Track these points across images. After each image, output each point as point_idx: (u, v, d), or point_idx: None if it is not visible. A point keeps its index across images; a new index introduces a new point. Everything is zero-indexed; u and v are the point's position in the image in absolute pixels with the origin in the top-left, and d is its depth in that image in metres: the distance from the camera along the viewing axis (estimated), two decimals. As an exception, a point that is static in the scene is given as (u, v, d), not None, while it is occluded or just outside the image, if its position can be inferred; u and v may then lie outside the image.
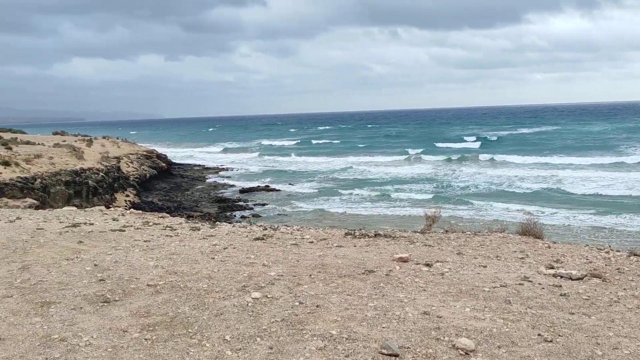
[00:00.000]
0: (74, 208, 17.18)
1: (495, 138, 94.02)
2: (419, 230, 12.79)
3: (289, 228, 12.92)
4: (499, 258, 9.52)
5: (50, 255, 9.00)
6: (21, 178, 36.58)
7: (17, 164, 37.78)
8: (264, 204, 43.48)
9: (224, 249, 9.71)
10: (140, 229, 11.95)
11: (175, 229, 12.05)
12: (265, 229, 12.44)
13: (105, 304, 6.59)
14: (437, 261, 9.05)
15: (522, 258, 9.54)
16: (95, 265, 8.34)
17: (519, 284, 7.79)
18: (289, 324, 5.99)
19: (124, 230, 11.53)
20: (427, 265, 8.76)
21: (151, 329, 5.81)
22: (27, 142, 46.51)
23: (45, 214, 14.51)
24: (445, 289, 7.54)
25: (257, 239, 10.71)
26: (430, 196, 43.10)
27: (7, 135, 49.29)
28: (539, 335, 5.78)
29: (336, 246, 10.14)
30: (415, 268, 8.58)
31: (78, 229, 11.45)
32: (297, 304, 6.68)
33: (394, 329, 5.92)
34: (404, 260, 8.93)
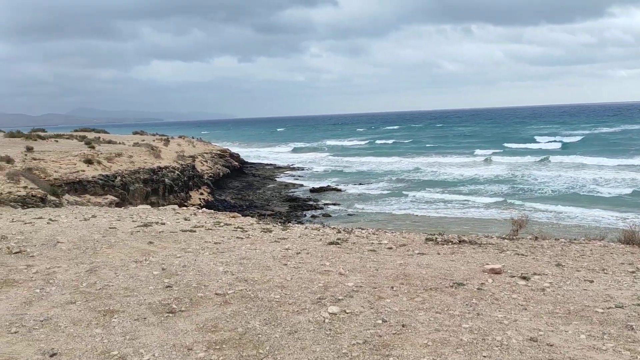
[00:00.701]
0: (149, 206, 17.07)
1: (574, 138, 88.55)
2: (505, 236, 11.60)
3: (364, 231, 12.07)
4: (605, 271, 8.26)
5: (119, 257, 8.58)
6: (102, 176, 37.68)
7: (99, 162, 38.99)
8: (334, 204, 42.81)
9: (297, 253, 8.97)
10: (211, 229, 11.45)
11: (246, 231, 11.47)
12: (339, 232, 11.65)
13: (171, 314, 5.97)
14: (535, 274, 7.91)
15: (633, 272, 8.23)
16: (163, 269, 7.80)
17: (638, 305, 6.58)
18: (372, 347, 5.13)
19: (194, 231, 11.05)
20: (524, 278, 7.65)
21: (218, 347, 5.11)
22: (109, 142, 48.04)
23: (120, 213, 14.36)
24: (550, 308, 6.44)
25: (332, 243, 9.91)
26: (504, 199, 40.96)
27: (90, 135, 51.19)
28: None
29: (418, 253, 9.17)
30: (511, 281, 7.50)
31: (149, 229, 11.08)
32: (379, 322, 5.81)
33: (497, 359, 4.93)
34: (496, 271, 7.86)
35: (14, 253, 8.62)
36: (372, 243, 10.03)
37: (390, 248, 9.57)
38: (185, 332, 5.48)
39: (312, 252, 9.08)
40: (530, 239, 11.46)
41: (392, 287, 7.06)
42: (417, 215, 36.38)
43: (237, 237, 10.50)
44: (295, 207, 41.79)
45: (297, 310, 6.13)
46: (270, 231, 11.42)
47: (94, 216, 13.21)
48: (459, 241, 10.11)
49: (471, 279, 7.57)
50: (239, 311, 6.08)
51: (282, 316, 5.95)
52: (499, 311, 6.28)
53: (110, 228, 11.04)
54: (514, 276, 7.75)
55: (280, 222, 15.05)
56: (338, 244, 9.85)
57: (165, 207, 16.39)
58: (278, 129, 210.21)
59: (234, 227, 11.85)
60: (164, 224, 11.99)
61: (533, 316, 6.15)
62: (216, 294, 6.66)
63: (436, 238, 10.40)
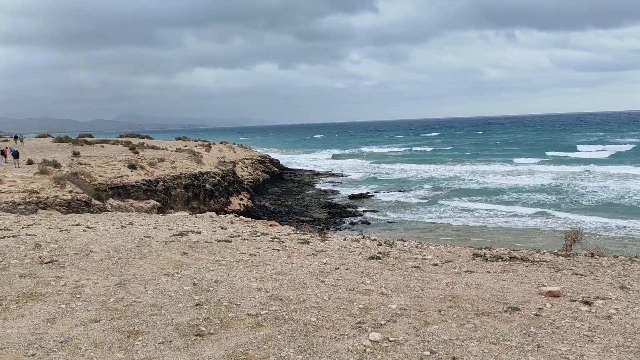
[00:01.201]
0: (186, 213, 16.78)
1: (622, 147, 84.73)
2: (559, 252, 10.70)
3: (406, 244, 11.37)
4: (677, 296, 7.36)
5: (150, 269, 8.16)
6: (145, 181, 37.97)
7: (142, 168, 39.35)
8: (372, 211, 42.04)
9: (335, 269, 8.36)
10: (247, 240, 10.96)
11: (283, 241, 10.93)
12: (380, 245, 10.98)
13: (198, 337, 5.46)
14: (598, 298, 7.09)
15: None
16: (195, 284, 7.33)
17: None
18: (420, 386, 4.49)
19: (230, 241, 10.59)
20: (586, 303, 6.84)
21: (247, 380, 4.56)
22: (153, 147, 48.60)
23: (157, 220, 14.07)
24: (619, 340, 5.65)
25: (372, 257, 9.27)
26: (548, 209, 39.27)
27: (135, 141, 51.94)
28: None
29: (465, 271, 8.43)
30: (572, 307, 6.70)
31: (184, 239, 10.67)
32: (427, 353, 5.15)
33: (567, 405, 4.21)
34: (554, 294, 7.07)
35: (45, 263, 8.31)
36: (416, 258, 9.33)
37: (436, 264, 8.86)
38: (213, 359, 4.95)
39: (352, 268, 8.45)
40: (586, 255, 10.55)
41: (440, 311, 6.38)
42: (458, 225, 35.25)
43: (274, 249, 9.97)
44: (334, 214, 41.21)
45: (335, 336, 5.52)
46: (308, 242, 10.86)
47: (131, 223, 12.94)
48: (510, 258, 9.31)
49: (527, 302, 6.80)
50: (272, 336, 5.52)
51: (318, 343, 5.36)
52: (562, 343, 5.53)
53: (145, 237, 10.69)
54: (575, 300, 6.94)
55: (318, 231, 14.45)
56: (379, 258, 9.20)
57: (202, 214, 16.06)
58: (318, 136, 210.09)
59: (271, 238, 11.34)
60: (199, 232, 11.58)
61: (601, 350, 5.38)
62: (248, 314, 6.12)
63: (484, 254, 9.62)
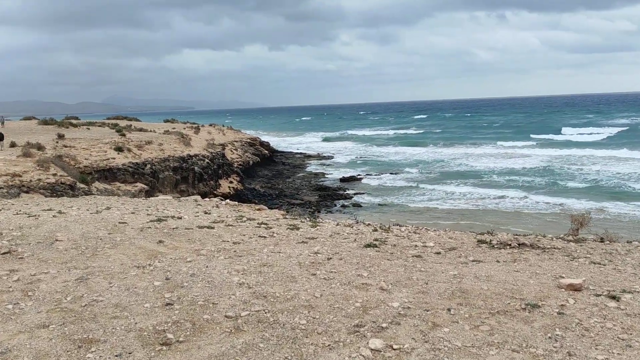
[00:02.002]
0: (170, 197, 15.75)
1: (614, 129, 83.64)
2: (567, 237, 9.81)
3: (403, 229, 10.43)
4: None
5: (120, 261, 7.16)
6: (132, 163, 36.74)
7: (129, 150, 38.08)
8: (364, 194, 41.15)
9: (328, 259, 7.39)
10: (231, 226, 9.97)
11: (271, 227, 9.95)
12: (375, 230, 10.03)
13: (164, 347, 4.48)
14: (624, 291, 6.18)
15: None
16: (167, 278, 6.34)
17: None
18: (435, 412, 3.55)
19: (212, 228, 9.59)
20: (613, 297, 5.93)
21: (220, 406, 3.60)
22: (141, 129, 47.21)
23: (137, 204, 13.02)
24: (661, 345, 4.75)
25: (368, 245, 8.31)
26: (539, 193, 38.51)
27: (123, 123, 50.51)
28: None
29: (472, 261, 7.50)
30: (597, 302, 5.79)
31: (162, 225, 9.66)
32: (439, 365, 4.22)
33: None
34: (576, 288, 6.16)
35: (1, 254, 7.29)
36: (416, 246, 8.39)
37: (439, 253, 7.92)
38: (179, 377, 3.99)
39: (346, 258, 7.49)
40: (595, 240, 9.68)
41: (449, 309, 5.45)
42: (448, 207, 34.42)
43: (260, 236, 8.99)
44: (325, 197, 40.29)
45: (329, 344, 4.57)
46: (298, 228, 9.89)
47: (108, 208, 11.90)
48: (518, 244, 8.39)
49: (546, 297, 5.89)
50: (253, 343, 4.56)
51: (308, 353, 4.40)
52: (596, 349, 4.62)
53: (120, 223, 9.67)
54: (600, 295, 6.04)
55: (309, 216, 13.45)
56: (376, 246, 8.25)
57: (187, 198, 15.03)
58: (307, 118, 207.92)
59: (258, 223, 10.35)
60: (180, 218, 10.57)
61: (644, 357, 4.48)
62: (226, 316, 5.14)
63: (490, 240, 8.69)
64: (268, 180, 48.69)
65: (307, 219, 11.92)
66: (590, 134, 79.33)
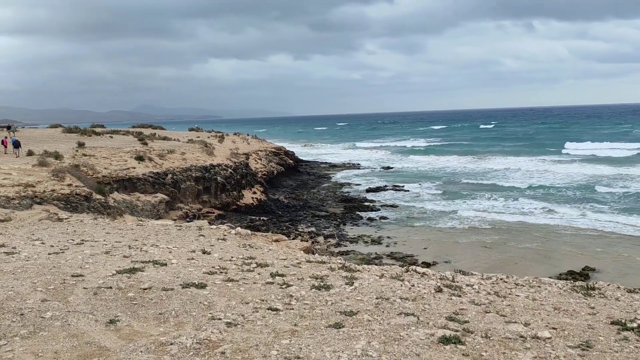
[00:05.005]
0: (171, 223, 12.53)
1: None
2: None
3: (475, 284, 6.97)
4: None
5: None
6: (153, 173, 33.85)
7: (150, 159, 35.23)
8: (391, 206, 37.53)
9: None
10: (232, 280, 6.63)
11: (290, 284, 6.57)
12: (439, 290, 6.57)
13: None
14: None
15: None
16: None
17: None
18: None
19: (204, 286, 6.26)
20: None
21: None
22: (164, 138, 44.50)
23: (124, 235, 9.80)
24: None
25: (445, 340, 4.85)
26: (581, 207, 34.22)
27: (147, 131, 47.91)
28: None
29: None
30: None
31: (133, 280, 6.37)
32: None
33: None
34: None
35: None
36: (522, 336, 4.89)
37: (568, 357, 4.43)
38: None
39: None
40: None
41: None
42: (488, 228, 30.05)
43: (272, 309, 5.60)
44: (351, 209, 36.83)
45: None
46: (328, 287, 6.48)
47: (81, 243, 8.70)
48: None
49: None
50: None
51: None
52: None
53: (73, 276, 6.43)
54: None
55: (342, 259, 9.98)
56: (458, 341, 4.77)
57: (190, 224, 11.80)
58: (336, 127, 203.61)
59: (271, 275, 7.00)
60: (164, 265, 7.28)
61: None
62: None
63: (628, 325, 5.15)
64: (292, 190, 45.47)
65: (339, 263, 8.48)
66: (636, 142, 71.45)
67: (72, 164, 29.01)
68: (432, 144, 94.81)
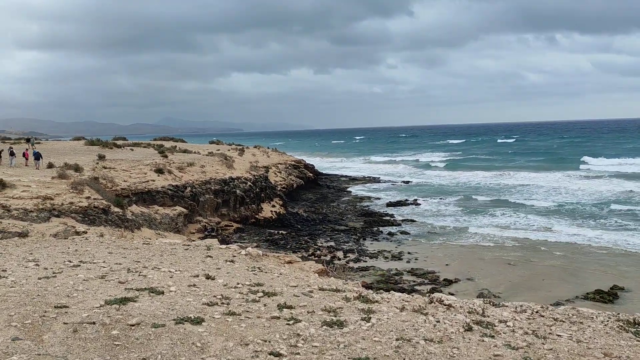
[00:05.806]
0: (179, 242, 11.79)
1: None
2: None
3: (509, 319, 6.03)
4: None
5: None
6: (172, 186, 33.40)
7: (169, 172, 34.82)
8: (411, 220, 36.46)
9: None
10: (233, 314, 5.80)
11: (298, 320, 5.72)
12: (469, 329, 5.66)
13: None
14: None
15: None
16: None
17: None
18: None
19: (199, 322, 5.45)
20: None
21: None
22: (185, 151, 44.20)
23: (126, 256, 9.07)
24: None
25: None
26: (606, 224, 32.68)
27: (168, 144, 47.71)
28: None
29: None
30: None
31: (122, 313, 5.60)
32: None
33: None
34: None
35: None
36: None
37: None
38: None
39: None
40: None
41: None
42: (513, 245, 28.71)
43: (273, 354, 4.76)
44: (371, 223, 35.89)
45: None
46: (341, 325, 5.61)
47: (77, 265, 7.99)
48: None
49: None
50: None
51: None
52: None
53: (56, 307, 5.68)
54: None
55: (357, 291, 9.06)
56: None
57: (198, 244, 11.05)
58: (356, 140, 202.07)
59: (278, 307, 6.16)
60: (161, 294, 6.49)
61: None
62: None
63: None
64: (312, 204, 44.65)
65: (356, 291, 7.58)
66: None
67: (91, 176, 28.67)
68: (451, 158, 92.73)
